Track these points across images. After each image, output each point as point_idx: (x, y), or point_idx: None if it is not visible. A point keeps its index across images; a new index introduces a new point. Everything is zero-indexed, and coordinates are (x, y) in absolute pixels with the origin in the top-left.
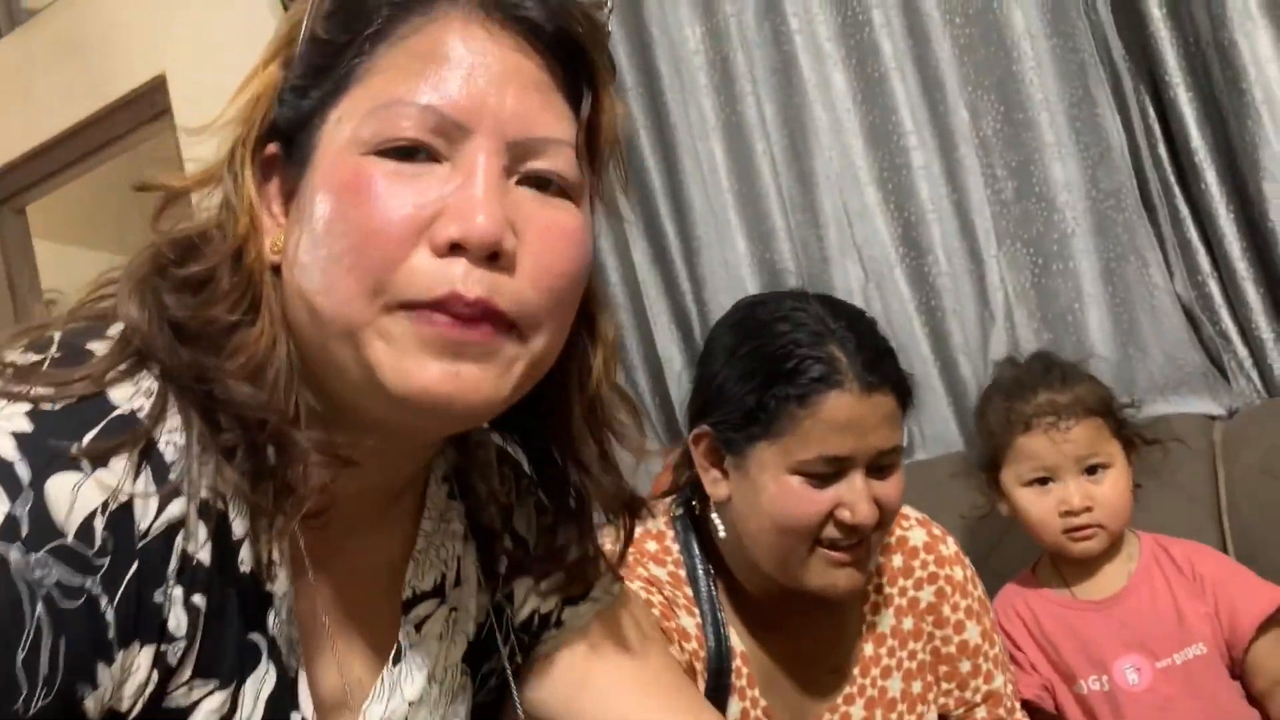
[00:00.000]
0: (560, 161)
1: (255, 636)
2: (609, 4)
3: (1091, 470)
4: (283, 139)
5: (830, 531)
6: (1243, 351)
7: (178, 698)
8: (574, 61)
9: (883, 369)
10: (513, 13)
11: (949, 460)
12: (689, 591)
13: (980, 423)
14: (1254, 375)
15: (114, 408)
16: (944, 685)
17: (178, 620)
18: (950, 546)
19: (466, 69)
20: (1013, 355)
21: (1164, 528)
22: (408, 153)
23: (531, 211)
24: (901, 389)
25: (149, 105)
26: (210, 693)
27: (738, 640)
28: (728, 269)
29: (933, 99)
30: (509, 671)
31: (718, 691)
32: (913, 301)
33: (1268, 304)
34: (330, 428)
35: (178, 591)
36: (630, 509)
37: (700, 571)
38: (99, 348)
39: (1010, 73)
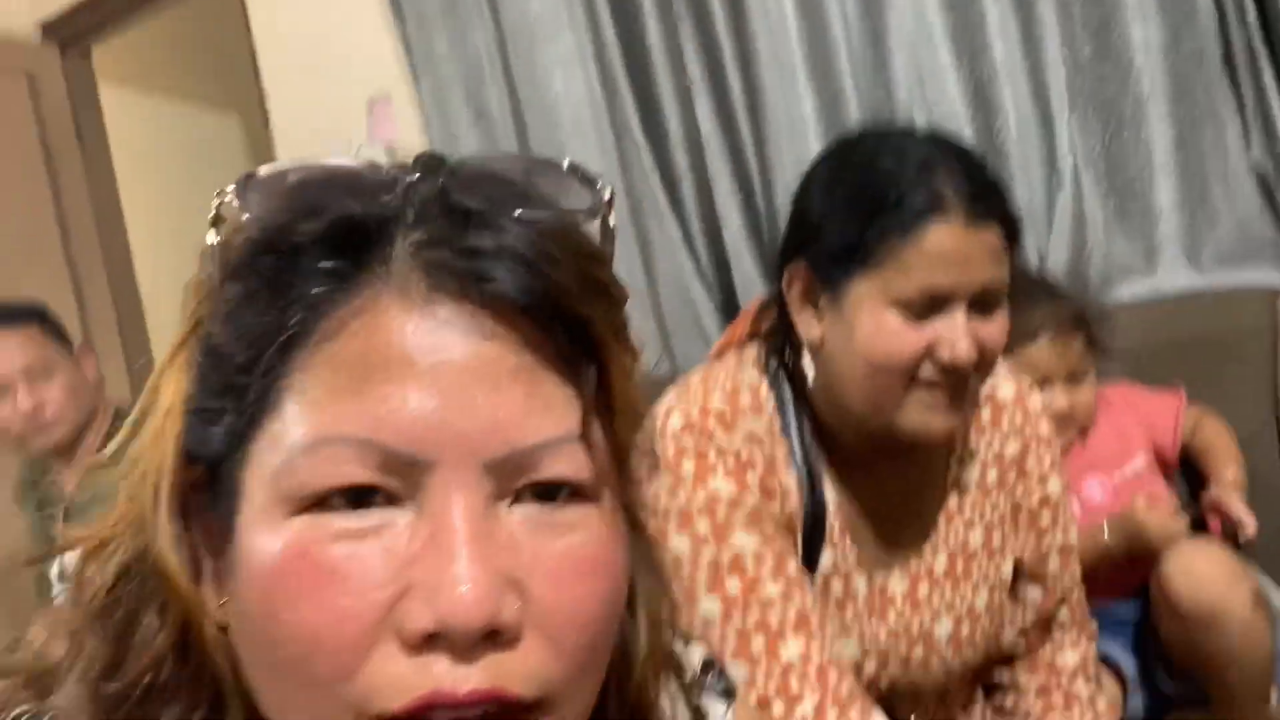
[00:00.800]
0: (564, 463)
1: None
2: (604, 204)
3: (1074, 378)
4: (205, 464)
5: (927, 371)
6: None
7: None
8: (566, 322)
9: (990, 201)
10: (473, 284)
11: None
12: (785, 444)
13: None
14: None
15: None
16: (1021, 536)
17: None
18: (1037, 401)
19: (415, 378)
20: None
21: (1219, 401)
22: (359, 496)
23: (536, 547)
24: (1009, 224)
25: None
26: None
27: (830, 490)
28: (792, 129)
29: None
30: None
31: (812, 544)
32: None
33: None
34: None
35: None
36: None
37: (794, 424)
38: None
39: None
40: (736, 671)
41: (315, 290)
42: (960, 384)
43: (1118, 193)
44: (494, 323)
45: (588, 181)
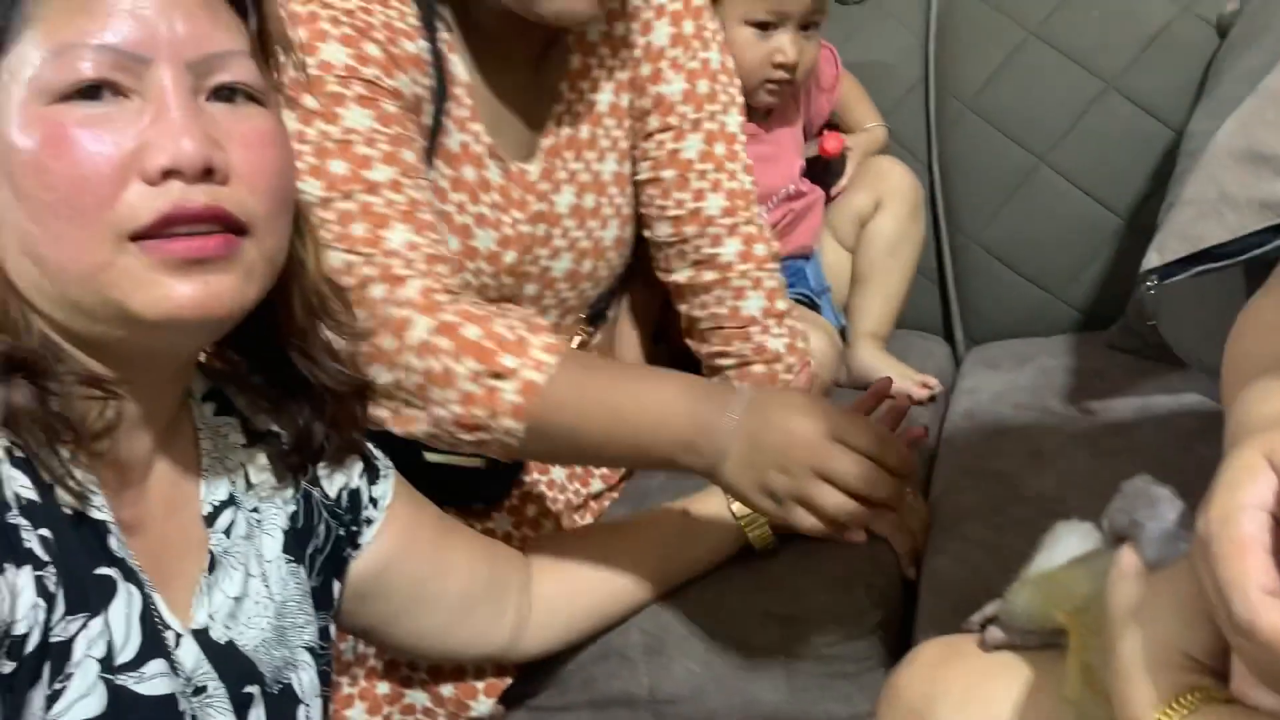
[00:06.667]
0: (241, 71)
1: (105, 570)
2: None
3: (806, 27)
4: None
5: None
6: None
7: (59, 630)
8: None
9: None
10: None
11: None
12: (412, 10)
13: None
14: None
15: None
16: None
17: (37, 546)
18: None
19: (130, 3)
20: None
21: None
22: (93, 92)
23: (229, 125)
24: None
25: None
26: (84, 624)
27: (463, 70)
28: None
29: None
30: (331, 538)
31: (440, 124)
32: None
33: None
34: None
35: (25, 521)
36: (360, 392)
37: None
38: None
39: None
40: (334, 258)
41: None
42: None
43: None
44: None
45: None
